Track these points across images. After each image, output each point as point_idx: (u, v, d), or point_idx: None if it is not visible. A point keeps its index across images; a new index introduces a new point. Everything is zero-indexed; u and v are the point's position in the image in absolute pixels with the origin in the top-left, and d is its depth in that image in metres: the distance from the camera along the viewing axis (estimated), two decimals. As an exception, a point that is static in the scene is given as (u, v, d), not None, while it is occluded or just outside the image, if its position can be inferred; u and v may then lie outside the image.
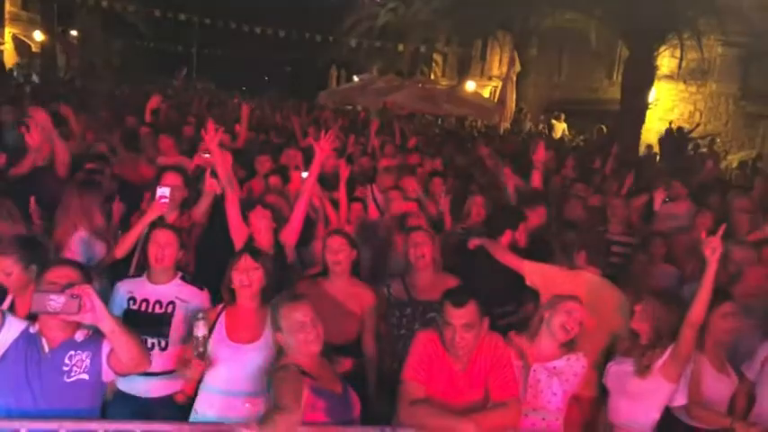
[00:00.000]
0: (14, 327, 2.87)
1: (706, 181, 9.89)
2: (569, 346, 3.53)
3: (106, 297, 4.04)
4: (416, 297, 4.18)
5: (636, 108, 19.23)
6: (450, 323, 3.16)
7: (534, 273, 4.35)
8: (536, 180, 6.32)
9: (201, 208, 4.73)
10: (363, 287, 4.16)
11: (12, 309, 3.24)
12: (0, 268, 3.28)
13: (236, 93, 30.62)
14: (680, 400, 3.62)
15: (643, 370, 3.54)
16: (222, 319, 3.49)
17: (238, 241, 4.43)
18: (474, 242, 4.72)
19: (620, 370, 3.69)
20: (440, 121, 18.34)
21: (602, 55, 23.63)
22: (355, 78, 27.67)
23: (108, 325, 2.70)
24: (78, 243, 4.24)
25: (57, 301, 2.53)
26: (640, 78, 19.00)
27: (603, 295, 4.17)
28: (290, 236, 4.58)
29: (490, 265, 4.56)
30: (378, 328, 4.14)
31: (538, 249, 5.03)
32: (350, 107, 21.10)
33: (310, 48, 31.91)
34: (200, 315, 3.36)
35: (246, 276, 3.47)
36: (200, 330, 3.30)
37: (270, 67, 50.87)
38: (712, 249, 3.34)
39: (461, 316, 3.14)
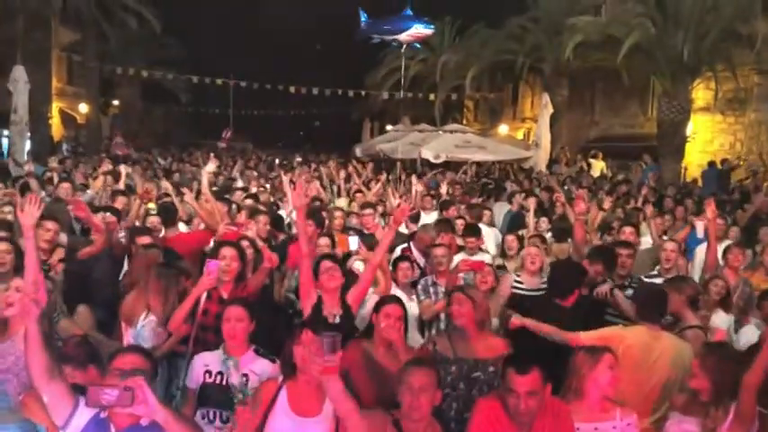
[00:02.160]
0: (86, 412, 2.93)
1: (758, 213, 9.68)
2: (616, 403, 3.44)
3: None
4: (461, 355, 4.09)
5: (674, 142, 19.08)
6: (514, 390, 3.12)
7: (592, 341, 4.25)
8: (579, 233, 6.10)
9: (259, 279, 4.80)
10: (411, 351, 4.13)
11: None
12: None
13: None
14: None
15: None
16: (284, 391, 3.50)
17: (307, 302, 4.48)
18: (515, 323, 4.52)
19: (683, 430, 3.57)
20: (473, 168, 18.34)
21: (635, 91, 23.56)
22: (389, 128, 28.01)
23: (162, 416, 2.73)
24: (147, 326, 4.34)
25: (110, 395, 2.58)
26: (676, 112, 18.91)
27: (657, 348, 4.05)
28: (357, 298, 4.61)
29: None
30: None
31: (587, 303, 4.97)
32: (385, 158, 21.30)
33: (343, 102, 32.56)
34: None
35: (308, 351, 3.48)
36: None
37: (304, 122, 51.85)
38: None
39: (525, 383, 3.10)
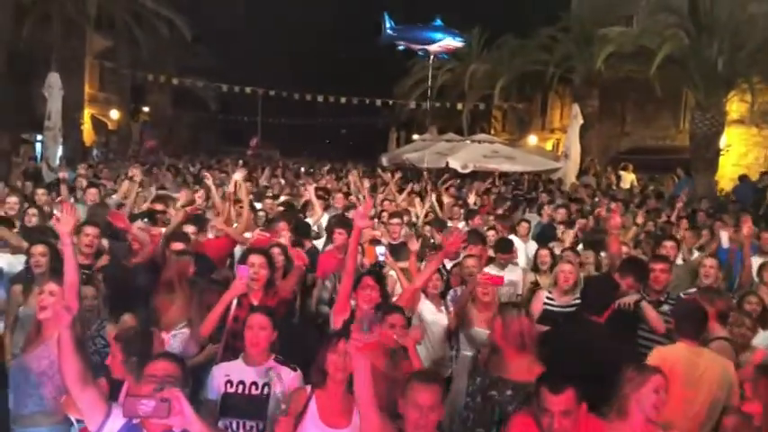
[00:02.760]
0: (119, 417, 2.93)
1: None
2: (661, 426, 3.30)
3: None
4: (490, 370, 4.00)
5: (707, 155, 18.72)
6: (548, 409, 3.06)
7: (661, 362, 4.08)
8: (614, 247, 5.92)
9: (290, 283, 4.75)
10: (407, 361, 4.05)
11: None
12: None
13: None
14: None
15: None
16: (313, 402, 3.45)
17: (339, 316, 4.42)
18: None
19: None
20: (500, 179, 18.20)
21: (667, 102, 23.22)
22: (415, 138, 27.99)
23: (197, 428, 2.75)
24: (179, 337, 4.32)
25: (147, 406, 2.62)
26: (710, 125, 18.56)
27: (701, 364, 3.93)
28: None
29: (586, 342, 4.35)
30: None
31: (620, 318, 4.82)
32: (411, 168, 21.25)
33: (370, 111, 32.64)
34: (272, 374, 3.44)
35: (342, 360, 3.44)
36: (278, 387, 3.38)
37: (331, 131, 52.09)
38: None
39: (559, 403, 3.04)
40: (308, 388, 3.53)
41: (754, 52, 17.32)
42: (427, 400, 3.01)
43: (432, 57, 15.77)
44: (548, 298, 5.70)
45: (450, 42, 15.27)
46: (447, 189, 13.28)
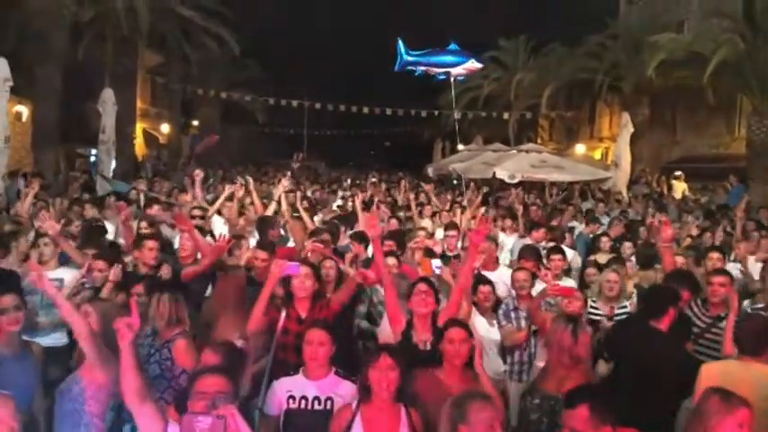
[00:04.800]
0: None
1: None
2: None
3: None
4: (535, 380, 4.07)
5: (765, 163, 18.10)
6: (563, 423, 3.00)
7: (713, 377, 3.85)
8: (668, 261, 5.74)
9: (343, 297, 4.74)
10: (477, 381, 3.96)
11: None
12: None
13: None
14: None
15: None
16: (358, 418, 3.43)
17: (396, 327, 4.38)
18: None
19: None
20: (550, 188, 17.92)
21: (720, 109, 22.58)
22: (460, 148, 27.82)
23: None
24: None
25: (204, 423, 2.68)
26: (768, 132, 17.96)
27: (748, 381, 3.65)
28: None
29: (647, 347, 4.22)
30: None
31: (681, 328, 4.68)
32: (456, 179, 21.13)
33: (416, 121, 32.65)
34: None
35: (385, 376, 3.40)
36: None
37: (376, 142, 52.32)
38: None
39: (569, 418, 2.97)
40: (354, 404, 3.50)
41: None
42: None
43: (452, 79, 15.78)
44: (592, 307, 5.66)
45: (473, 64, 15.21)
46: (496, 202, 13.15)
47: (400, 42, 15.18)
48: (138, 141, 28.10)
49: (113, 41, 22.13)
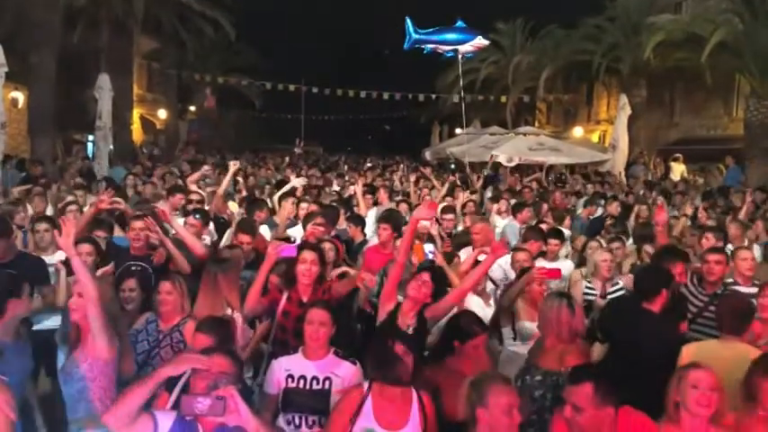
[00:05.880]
0: (167, 419, 2.92)
1: None
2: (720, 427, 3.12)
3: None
4: (530, 356, 4.06)
5: (763, 144, 18.09)
6: (565, 399, 3.02)
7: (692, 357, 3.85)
8: (662, 241, 5.88)
9: (345, 287, 4.75)
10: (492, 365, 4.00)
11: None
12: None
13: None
14: None
15: None
16: (369, 401, 3.38)
17: (384, 308, 4.41)
18: None
19: None
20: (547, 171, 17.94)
21: (718, 90, 22.51)
22: (458, 132, 27.77)
23: (253, 425, 2.79)
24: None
25: (203, 404, 2.67)
26: (766, 113, 17.92)
27: (729, 359, 3.69)
28: (437, 315, 4.44)
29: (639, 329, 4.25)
30: None
31: (678, 307, 4.72)
32: (454, 163, 21.11)
33: (413, 105, 32.56)
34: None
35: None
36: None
37: (373, 126, 52.22)
38: None
39: (571, 394, 2.99)
40: (365, 385, 3.43)
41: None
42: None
43: (461, 56, 15.76)
44: (588, 287, 5.71)
45: (480, 41, 15.21)
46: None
47: (408, 21, 15.19)
48: (136, 127, 28.03)
49: (108, 27, 22.03)
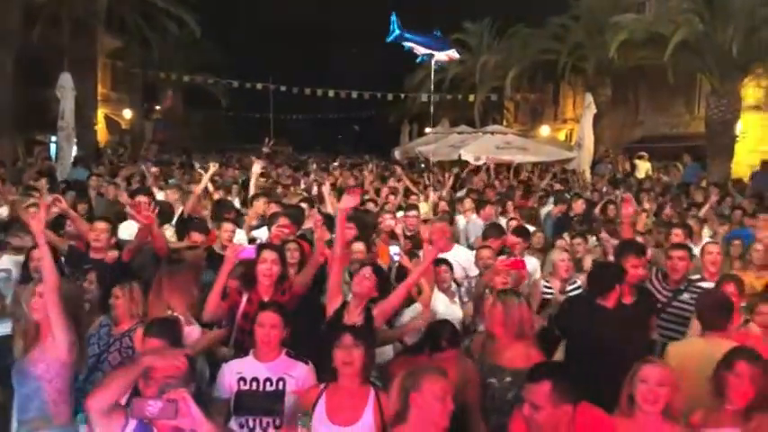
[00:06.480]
0: (132, 420, 2.89)
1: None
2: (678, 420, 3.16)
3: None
4: (486, 358, 4.00)
5: (723, 142, 18.49)
6: (525, 397, 3.04)
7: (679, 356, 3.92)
8: (627, 235, 5.87)
9: (306, 279, 4.72)
10: (466, 363, 3.99)
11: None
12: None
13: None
14: None
15: None
16: (323, 399, 3.43)
17: (331, 306, 4.39)
18: None
19: None
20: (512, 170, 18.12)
21: (680, 89, 22.93)
22: (427, 131, 27.87)
23: (206, 428, 2.75)
24: None
25: (154, 407, 2.62)
26: (725, 111, 18.32)
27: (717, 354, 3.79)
28: (385, 312, 4.43)
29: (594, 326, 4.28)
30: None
31: (644, 302, 4.75)
32: (423, 162, 21.18)
33: (382, 105, 32.58)
34: (302, 418, 3.37)
35: (348, 354, 3.41)
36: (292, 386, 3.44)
37: (343, 126, 52.10)
38: None
39: (530, 391, 3.01)
40: (322, 385, 3.51)
41: (768, 37, 17.05)
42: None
43: (433, 59, 15.98)
44: (545, 286, 5.72)
45: (453, 53, 15.54)
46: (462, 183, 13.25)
47: (394, 16, 15.34)
48: (101, 127, 27.56)
49: (70, 25, 21.59)
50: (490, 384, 3.84)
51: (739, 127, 19.25)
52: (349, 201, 4.65)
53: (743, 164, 19.76)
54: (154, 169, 9.92)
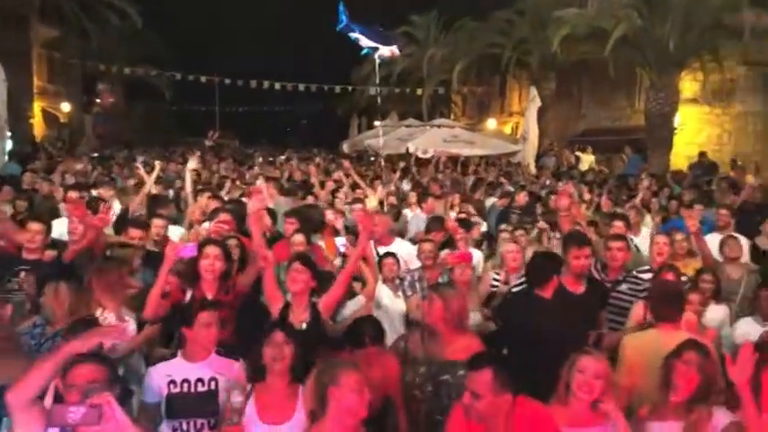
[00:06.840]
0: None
1: (748, 200, 9.52)
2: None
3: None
4: (432, 356, 3.88)
5: (662, 134, 19.02)
6: (467, 386, 3.04)
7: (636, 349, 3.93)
8: (566, 227, 5.85)
9: (249, 278, 4.62)
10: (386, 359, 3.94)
11: None
12: None
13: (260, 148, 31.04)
14: None
15: None
16: (252, 400, 3.36)
17: (273, 307, 4.31)
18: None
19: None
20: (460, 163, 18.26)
21: (622, 83, 23.45)
22: (376, 124, 27.85)
23: None
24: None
25: (76, 413, 2.49)
26: (664, 104, 18.85)
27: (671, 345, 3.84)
28: (329, 305, 4.38)
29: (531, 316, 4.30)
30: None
31: (594, 292, 4.81)
32: (372, 155, 21.15)
33: (330, 98, 32.35)
34: (235, 387, 3.34)
35: (279, 351, 3.35)
36: (237, 397, 3.28)
37: (291, 119, 51.63)
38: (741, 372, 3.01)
39: (471, 380, 3.02)
40: (248, 386, 3.43)
41: (705, 31, 17.58)
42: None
43: (377, 53, 16.00)
44: (494, 279, 5.73)
45: (395, 50, 15.66)
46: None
47: (341, 6, 15.25)
48: (37, 121, 26.58)
49: (0, 13, 20.72)
50: (444, 381, 3.75)
51: (677, 119, 19.85)
52: (255, 203, 4.66)
53: (681, 155, 20.40)
54: (80, 166, 9.61)
